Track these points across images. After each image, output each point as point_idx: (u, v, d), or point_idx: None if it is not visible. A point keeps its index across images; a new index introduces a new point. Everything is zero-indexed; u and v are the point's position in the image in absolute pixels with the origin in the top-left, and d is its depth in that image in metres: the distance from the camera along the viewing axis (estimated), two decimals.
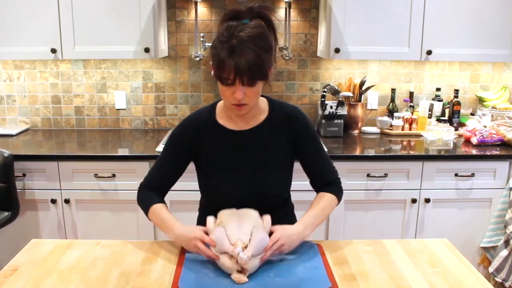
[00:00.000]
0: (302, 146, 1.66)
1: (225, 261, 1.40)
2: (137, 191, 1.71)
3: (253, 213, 1.51)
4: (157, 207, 1.62)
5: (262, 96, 1.65)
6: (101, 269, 1.49)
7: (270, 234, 1.47)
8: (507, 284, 2.75)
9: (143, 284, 1.39)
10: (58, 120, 3.36)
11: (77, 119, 3.36)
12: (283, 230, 1.48)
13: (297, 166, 1.74)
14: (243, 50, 1.40)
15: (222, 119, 1.64)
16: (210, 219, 1.52)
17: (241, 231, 1.42)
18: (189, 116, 1.69)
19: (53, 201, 2.75)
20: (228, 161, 1.62)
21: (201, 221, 1.67)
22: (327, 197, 1.65)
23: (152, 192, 1.67)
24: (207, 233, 1.47)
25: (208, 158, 1.64)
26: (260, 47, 1.43)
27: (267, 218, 1.52)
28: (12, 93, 3.30)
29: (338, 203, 1.69)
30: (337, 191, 1.68)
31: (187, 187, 2.27)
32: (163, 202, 1.66)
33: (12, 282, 1.41)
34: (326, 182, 1.69)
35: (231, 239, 1.40)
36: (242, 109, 1.53)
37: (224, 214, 1.51)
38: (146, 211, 1.64)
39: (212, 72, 1.50)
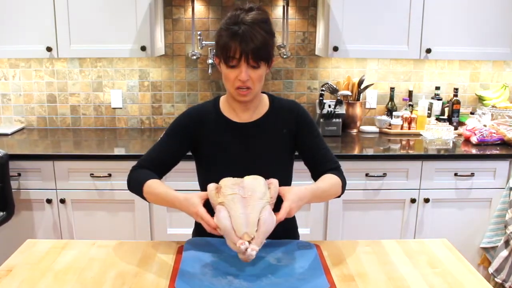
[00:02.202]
0: (303, 137, 1.65)
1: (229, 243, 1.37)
2: (128, 172, 1.64)
3: (258, 187, 1.42)
4: (155, 181, 1.56)
5: (262, 92, 1.67)
6: (97, 270, 1.47)
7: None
8: (507, 285, 2.74)
9: (140, 285, 1.37)
10: (53, 119, 3.33)
11: (73, 118, 3.33)
12: (292, 196, 1.43)
13: (296, 165, 1.73)
14: (249, 31, 1.45)
15: (225, 111, 1.65)
16: (211, 187, 1.44)
17: (248, 220, 1.35)
18: (193, 106, 1.70)
19: (49, 201, 2.73)
20: (229, 152, 1.62)
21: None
22: (335, 178, 1.61)
23: (148, 171, 1.62)
24: (206, 202, 1.43)
25: (209, 149, 1.63)
26: (265, 30, 1.48)
27: (274, 186, 1.45)
28: (7, 92, 3.28)
29: (342, 192, 1.65)
30: (342, 178, 1.65)
31: (187, 187, 2.26)
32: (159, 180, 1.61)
33: (7, 283, 1.39)
34: (328, 169, 1.65)
35: (237, 231, 1.35)
36: (246, 94, 1.53)
37: (227, 188, 1.42)
38: (141, 185, 1.56)
39: (215, 60, 1.56)
